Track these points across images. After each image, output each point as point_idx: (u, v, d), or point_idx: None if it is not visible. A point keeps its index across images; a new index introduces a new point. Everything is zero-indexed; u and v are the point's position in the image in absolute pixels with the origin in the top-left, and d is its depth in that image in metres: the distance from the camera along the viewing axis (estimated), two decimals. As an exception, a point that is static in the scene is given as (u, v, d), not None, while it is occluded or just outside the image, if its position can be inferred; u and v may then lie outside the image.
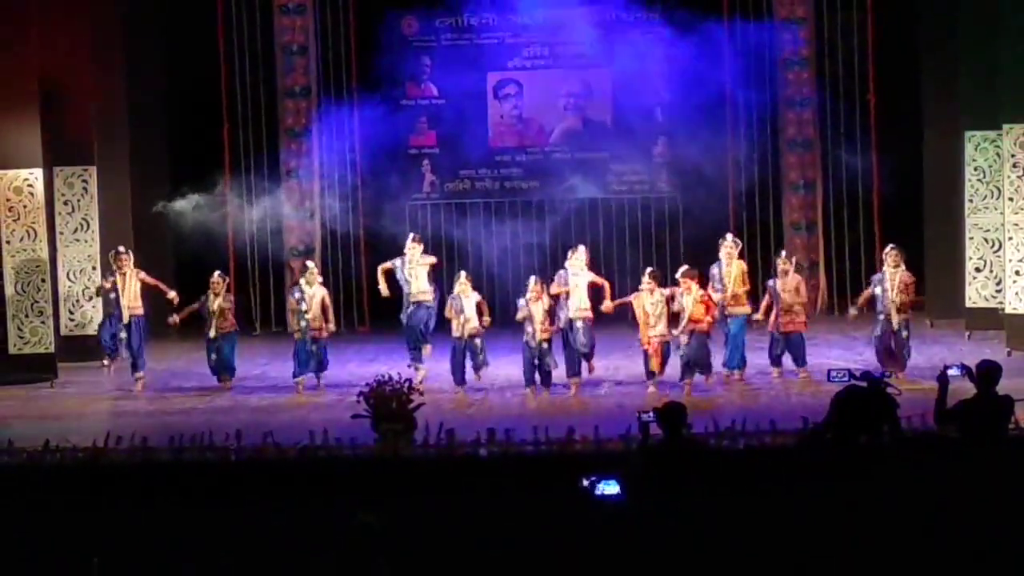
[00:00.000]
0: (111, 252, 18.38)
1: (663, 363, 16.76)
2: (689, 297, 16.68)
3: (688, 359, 16.68)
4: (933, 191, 21.42)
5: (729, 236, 17.70)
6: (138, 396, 17.77)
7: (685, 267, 17.19)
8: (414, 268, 17.87)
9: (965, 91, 19.90)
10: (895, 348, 16.76)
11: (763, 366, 17.58)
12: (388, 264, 18.03)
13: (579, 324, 16.79)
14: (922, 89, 21.50)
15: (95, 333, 19.72)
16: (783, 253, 18.12)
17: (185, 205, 20.44)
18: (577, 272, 17.02)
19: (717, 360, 17.16)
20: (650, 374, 16.78)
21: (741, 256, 17.70)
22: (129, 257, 18.14)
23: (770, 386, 16.89)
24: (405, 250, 17.97)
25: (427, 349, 17.68)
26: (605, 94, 23.12)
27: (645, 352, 16.82)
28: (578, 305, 16.86)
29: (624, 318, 17.49)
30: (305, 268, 18.31)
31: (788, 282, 17.27)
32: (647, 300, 16.75)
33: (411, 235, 18.33)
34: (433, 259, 18.19)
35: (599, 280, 17.26)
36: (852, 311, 17.64)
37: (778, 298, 17.18)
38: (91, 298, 19.81)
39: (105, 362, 18.30)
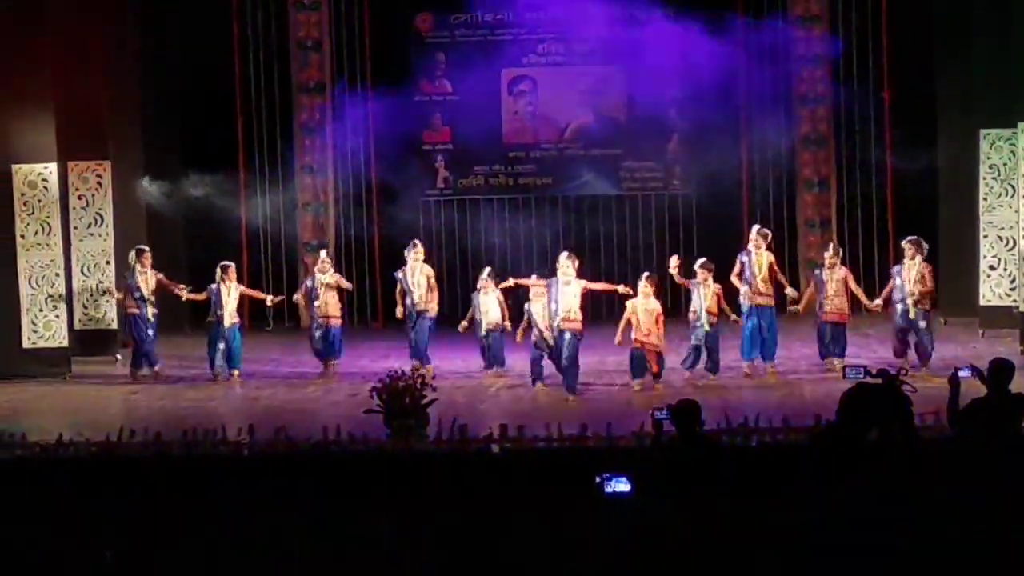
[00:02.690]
0: (135, 249, 18.52)
1: (660, 368, 16.70)
2: (707, 289, 16.89)
3: (702, 351, 16.94)
4: (948, 189, 21.38)
5: (754, 228, 17.81)
6: (151, 383, 18.16)
7: (703, 259, 17.33)
8: (417, 277, 18.03)
9: (980, 89, 19.86)
10: (916, 341, 16.97)
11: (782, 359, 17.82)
12: (401, 291, 18.15)
13: (567, 335, 16.43)
14: (937, 86, 21.46)
15: (109, 328, 19.86)
16: (831, 246, 18.21)
17: (153, 190, 20.56)
18: (568, 280, 16.64)
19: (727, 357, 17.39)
20: (640, 372, 16.63)
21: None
22: (149, 255, 18.53)
23: (784, 383, 16.89)
24: (407, 257, 18.12)
25: (429, 370, 16.87)
26: (619, 91, 23.10)
27: (638, 352, 16.59)
28: (566, 314, 16.48)
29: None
30: (317, 258, 18.67)
31: (836, 273, 17.48)
32: (642, 305, 16.57)
33: (413, 241, 18.43)
34: (431, 271, 18.22)
35: (594, 286, 17.11)
36: (877, 302, 17.70)
37: (823, 288, 17.37)
38: (105, 292, 19.84)
39: (156, 368, 18.49)
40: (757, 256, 17.44)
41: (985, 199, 19.68)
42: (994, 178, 19.63)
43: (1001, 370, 10.17)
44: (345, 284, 18.91)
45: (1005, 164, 19.45)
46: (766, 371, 17.38)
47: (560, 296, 16.48)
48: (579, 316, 16.53)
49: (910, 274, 16.99)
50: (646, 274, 16.97)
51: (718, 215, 22.11)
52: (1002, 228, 19.52)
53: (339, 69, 23.01)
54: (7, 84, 18.25)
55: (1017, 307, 18.67)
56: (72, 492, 12.33)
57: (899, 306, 17.10)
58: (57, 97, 18.56)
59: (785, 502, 8.42)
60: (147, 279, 18.34)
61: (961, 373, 10.08)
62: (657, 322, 16.56)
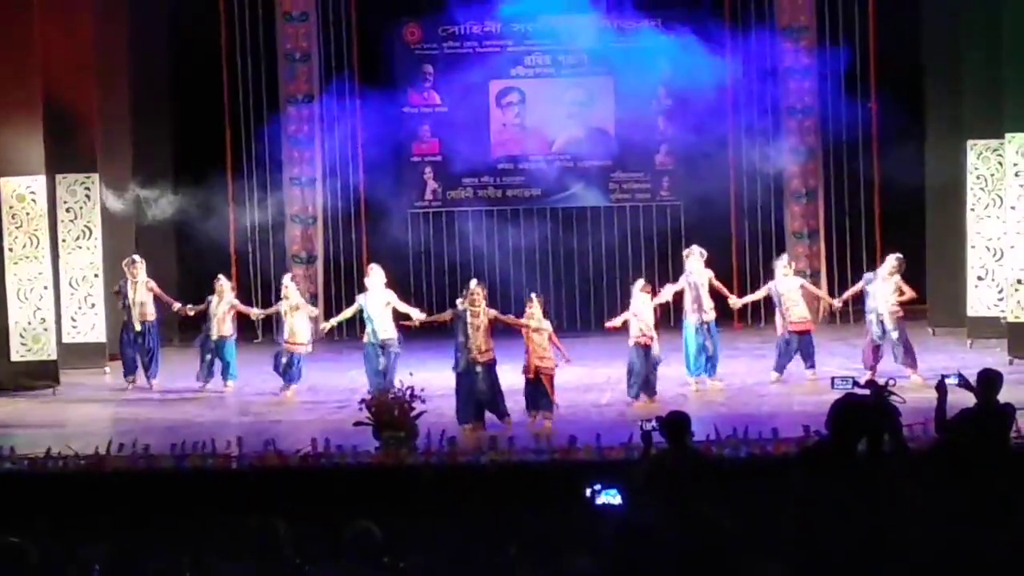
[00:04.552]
0: (126, 260, 18.62)
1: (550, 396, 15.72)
2: (648, 312, 16.54)
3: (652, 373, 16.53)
4: (935, 200, 21.38)
5: (694, 248, 17.75)
6: (151, 395, 18.27)
7: (641, 280, 17.09)
8: (376, 304, 17.09)
9: (968, 100, 19.88)
10: (898, 353, 17.01)
11: (759, 374, 17.83)
12: (350, 311, 17.68)
13: (479, 368, 15.46)
14: (925, 98, 21.47)
15: (98, 340, 19.89)
16: (784, 256, 18.33)
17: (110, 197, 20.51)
18: (477, 313, 15.61)
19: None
20: (540, 404, 15.65)
21: (709, 265, 17.70)
22: (142, 265, 18.55)
23: (773, 394, 16.90)
24: (366, 282, 17.37)
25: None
26: (607, 102, 23.12)
27: (532, 381, 15.66)
28: (480, 347, 15.52)
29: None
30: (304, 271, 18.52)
31: (791, 283, 17.56)
32: (537, 325, 15.74)
33: (371, 265, 17.76)
34: (391, 294, 17.20)
35: (504, 319, 16.08)
36: (837, 303, 18.46)
37: (780, 300, 17.40)
38: (93, 305, 19.90)
39: (130, 379, 18.64)
40: (699, 275, 17.38)
41: (972, 210, 19.71)
42: (981, 188, 19.66)
43: (989, 380, 10.21)
44: (312, 311, 18.68)
45: (992, 175, 19.48)
46: (709, 386, 17.25)
47: (470, 329, 15.58)
48: (491, 346, 15.62)
49: (885, 286, 17.09)
50: (533, 294, 16.20)
51: (706, 226, 22.06)
52: (989, 239, 19.55)
53: (327, 80, 22.99)
54: (-5, 97, 18.26)
55: (1005, 317, 18.70)
56: (61, 505, 12.33)
57: (871, 316, 17.18)
58: (45, 109, 18.53)
59: (775, 513, 8.43)
60: (136, 289, 18.40)
61: (948, 380, 10.11)
62: (550, 341, 15.81)
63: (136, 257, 18.76)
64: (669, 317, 18.86)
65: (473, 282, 16.06)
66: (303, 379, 18.08)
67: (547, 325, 15.91)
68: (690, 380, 17.27)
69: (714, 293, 17.60)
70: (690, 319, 17.32)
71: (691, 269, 17.43)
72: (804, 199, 22.85)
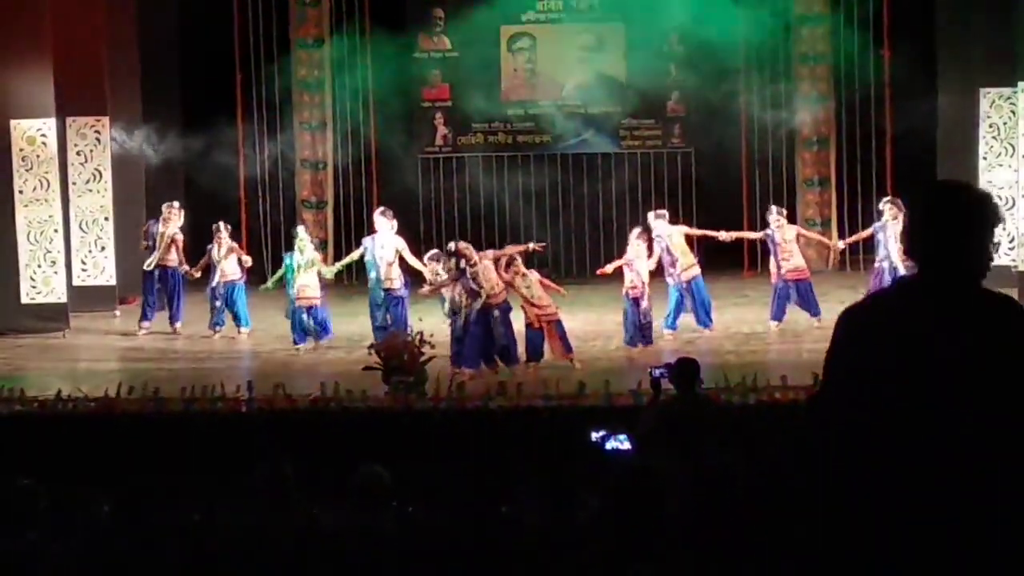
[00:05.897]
0: (168, 203, 18.72)
1: (563, 340, 15.60)
2: (642, 262, 16.43)
3: (649, 322, 16.43)
4: (947, 148, 21.28)
5: (651, 214, 17.44)
6: (161, 339, 18.19)
7: (639, 228, 16.89)
8: (384, 250, 16.77)
9: (981, 48, 19.77)
10: None
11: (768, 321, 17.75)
12: (355, 253, 17.53)
13: (496, 313, 15.36)
14: (938, 45, 21.34)
15: (108, 283, 19.91)
16: (773, 208, 18.07)
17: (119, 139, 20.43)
18: (474, 263, 15.36)
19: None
20: (538, 355, 15.53)
21: (683, 221, 17.49)
22: (179, 214, 18.59)
23: (781, 342, 16.86)
24: (376, 224, 17.09)
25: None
26: (619, 49, 23.03)
27: (534, 332, 15.52)
28: (492, 290, 15.35)
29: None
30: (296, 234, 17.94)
31: (786, 232, 17.39)
32: (522, 284, 15.56)
33: (380, 209, 17.45)
34: (402, 243, 16.88)
35: (501, 252, 15.91)
36: (841, 244, 18.73)
37: (777, 248, 17.27)
38: (103, 248, 19.91)
39: (145, 324, 18.59)
40: (668, 235, 17.03)
41: (984, 158, 19.64)
42: (994, 137, 19.59)
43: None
44: (328, 272, 18.21)
45: (1005, 123, 19.40)
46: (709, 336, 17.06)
47: (475, 283, 15.30)
48: (502, 287, 15.45)
49: (895, 231, 16.99)
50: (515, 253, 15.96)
51: (717, 173, 22.06)
52: (1001, 187, 19.48)
53: (338, 24, 22.88)
54: (5, 40, 18.18)
55: (1016, 266, 18.65)
56: (71, 447, 12.37)
57: (884, 264, 17.08)
58: (55, 53, 18.48)
59: (783, 460, 8.43)
60: (164, 234, 18.36)
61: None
62: (543, 287, 15.69)
63: (176, 204, 18.75)
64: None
65: (459, 244, 15.75)
66: (330, 333, 17.33)
67: (533, 275, 15.77)
68: (666, 333, 16.91)
69: (702, 246, 17.30)
70: (669, 280, 17.02)
71: (658, 233, 17.04)
72: (816, 146, 22.81)
